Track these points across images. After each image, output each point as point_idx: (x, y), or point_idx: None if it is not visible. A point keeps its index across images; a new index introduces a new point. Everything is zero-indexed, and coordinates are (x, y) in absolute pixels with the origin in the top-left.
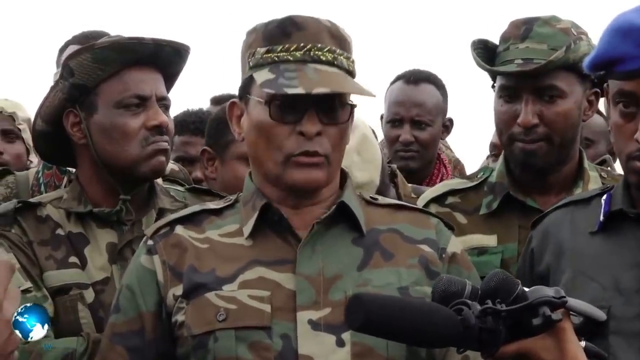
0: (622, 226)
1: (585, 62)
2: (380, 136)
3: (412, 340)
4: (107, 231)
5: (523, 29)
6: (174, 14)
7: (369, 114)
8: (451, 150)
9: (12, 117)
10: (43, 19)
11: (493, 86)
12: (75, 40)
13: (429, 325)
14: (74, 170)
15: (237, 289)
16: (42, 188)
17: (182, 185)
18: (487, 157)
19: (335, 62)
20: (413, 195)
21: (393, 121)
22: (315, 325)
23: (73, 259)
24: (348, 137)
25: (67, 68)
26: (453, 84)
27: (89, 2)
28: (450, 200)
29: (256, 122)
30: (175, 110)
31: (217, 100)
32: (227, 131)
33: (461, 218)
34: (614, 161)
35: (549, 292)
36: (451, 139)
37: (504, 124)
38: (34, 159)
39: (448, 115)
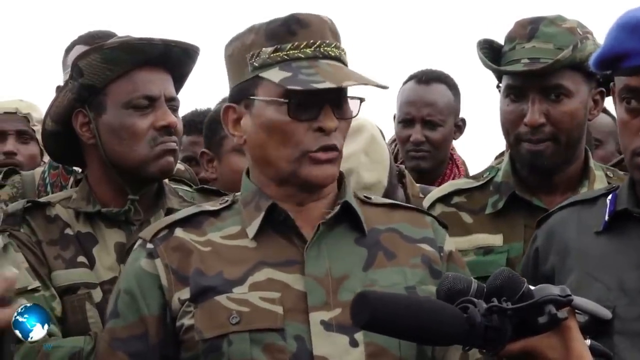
0: (627, 226)
1: (592, 59)
2: (388, 136)
3: (417, 338)
4: (116, 231)
5: (529, 29)
6: (183, 14)
7: (377, 113)
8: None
9: (26, 118)
10: (49, 19)
11: (498, 86)
12: (81, 40)
13: (435, 323)
14: (80, 170)
15: (248, 291)
16: (49, 188)
17: (188, 184)
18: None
19: (340, 57)
20: (421, 196)
21: (404, 121)
22: (327, 325)
23: (81, 259)
24: None
25: (76, 68)
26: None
27: (96, 1)
28: (456, 199)
29: (268, 121)
30: (183, 111)
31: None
32: (219, 128)
33: (467, 218)
34: None
35: (554, 290)
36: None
37: (510, 123)
38: (48, 160)
39: (460, 116)
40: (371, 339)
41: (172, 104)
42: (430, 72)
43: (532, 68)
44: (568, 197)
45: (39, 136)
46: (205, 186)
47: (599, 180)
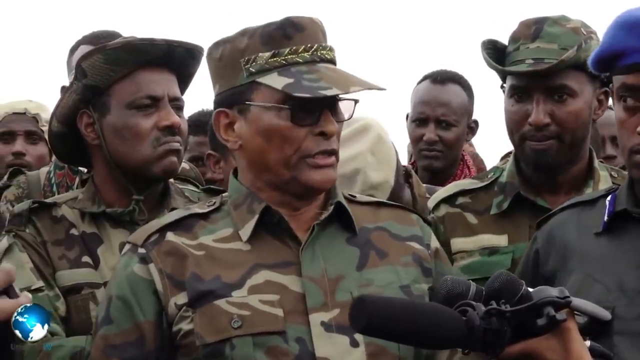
0: (626, 226)
1: (590, 59)
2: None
3: (416, 342)
4: (121, 231)
5: (533, 29)
6: (187, 15)
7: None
8: (470, 145)
9: (35, 119)
10: (57, 19)
11: (502, 86)
12: (86, 40)
13: (433, 327)
14: (85, 170)
15: (247, 294)
16: (54, 188)
17: (194, 184)
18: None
19: (334, 60)
20: (427, 195)
21: (418, 120)
22: (327, 326)
23: (86, 259)
24: None
25: (80, 69)
26: None
27: (101, 1)
28: (461, 200)
29: (267, 127)
30: (189, 111)
31: None
32: None
33: (472, 218)
34: None
35: (553, 292)
36: None
37: (515, 123)
38: (53, 160)
39: (473, 117)
40: (371, 338)
41: (176, 104)
42: (445, 73)
43: (536, 68)
44: (572, 197)
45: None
46: (211, 186)
47: (604, 181)
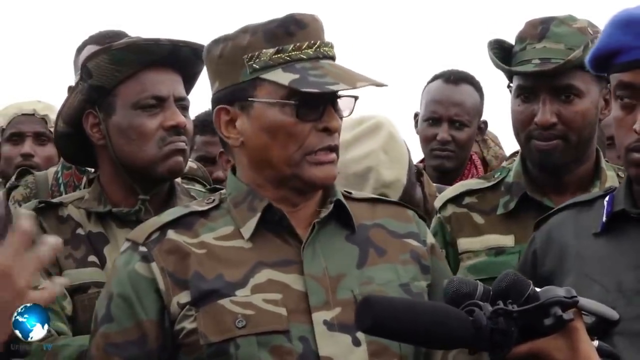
0: (625, 227)
1: (587, 58)
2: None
3: (422, 342)
4: (127, 231)
5: (540, 29)
6: (194, 15)
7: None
8: (500, 147)
9: (44, 120)
10: (66, 19)
11: (509, 86)
12: (92, 40)
13: (439, 327)
14: (92, 170)
15: (251, 293)
16: (62, 188)
17: (200, 183)
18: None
19: (335, 57)
20: (437, 195)
21: (431, 119)
22: (330, 325)
23: (92, 258)
24: None
25: (85, 69)
26: None
27: (108, 1)
28: (468, 200)
29: (271, 123)
30: (196, 111)
31: None
32: None
33: (478, 218)
34: None
35: (560, 292)
36: None
37: (521, 123)
38: (61, 160)
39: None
40: (373, 337)
41: (182, 103)
42: (457, 73)
43: (543, 68)
44: None
45: None
46: (217, 186)
47: (611, 181)
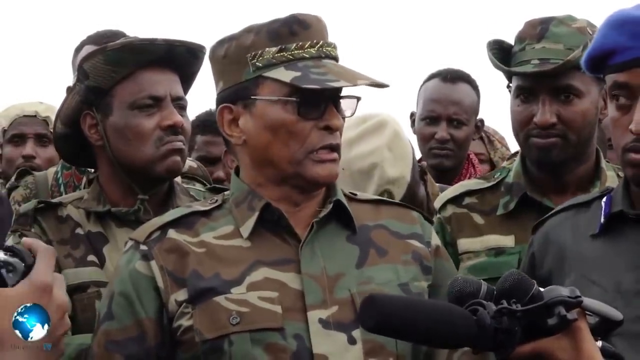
0: (622, 228)
1: (582, 59)
2: None
3: (426, 341)
4: (126, 230)
5: (539, 29)
6: (192, 14)
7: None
8: (507, 149)
9: (46, 121)
10: (61, 19)
11: (508, 86)
12: (90, 40)
13: (443, 325)
14: (92, 170)
15: (246, 291)
16: (62, 188)
17: (201, 182)
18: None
19: (338, 58)
20: (440, 194)
21: (429, 118)
22: (325, 324)
23: (91, 258)
24: None
25: (81, 70)
26: None
27: (108, 1)
28: (468, 200)
29: (273, 121)
30: (197, 111)
31: None
32: None
33: (478, 218)
34: None
35: (564, 291)
36: None
37: (520, 123)
38: (60, 160)
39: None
40: (369, 336)
41: (179, 103)
42: (454, 71)
43: (542, 69)
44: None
45: None
46: (217, 185)
47: (611, 181)
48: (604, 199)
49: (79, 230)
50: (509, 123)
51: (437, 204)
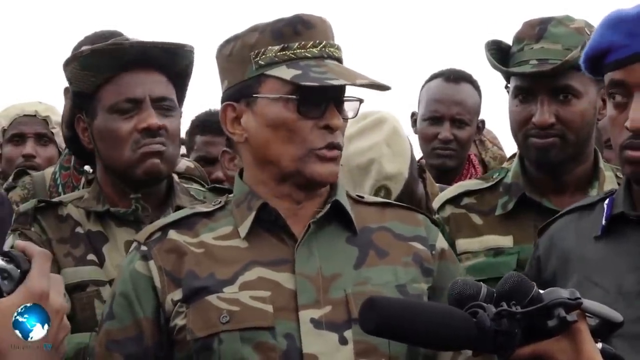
0: (624, 230)
1: (581, 60)
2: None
3: (426, 343)
4: (126, 229)
5: (537, 29)
6: (191, 14)
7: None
8: (500, 148)
9: (45, 121)
10: (61, 19)
11: (506, 87)
12: (88, 40)
13: (443, 328)
14: (91, 170)
15: (238, 290)
16: (60, 188)
17: (198, 182)
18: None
19: (341, 59)
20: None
21: (432, 118)
22: (317, 323)
23: (91, 257)
24: None
25: (66, 75)
26: None
27: (107, 1)
28: (466, 201)
29: (273, 119)
30: (197, 111)
31: None
32: None
33: (477, 219)
34: None
35: (563, 293)
36: None
37: (519, 124)
38: (59, 160)
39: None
40: (361, 336)
41: (162, 104)
42: (457, 72)
43: (540, 69)
44: (578, 198)
45: (57, 139)
46: (217, 185)
47: (609, 181)
48: (607, 201)
49: (78, 229)
50: (508, 123)
51: (435, 204)
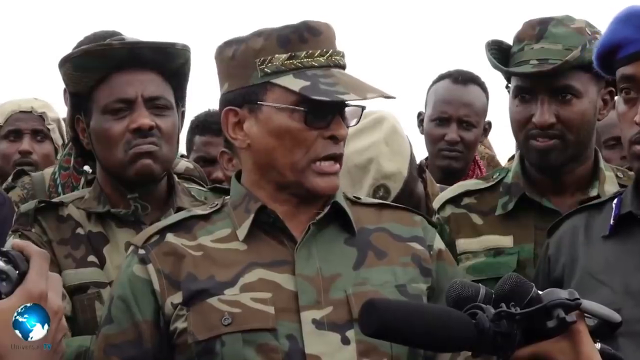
0: (632, 229)
1: (593, 57)
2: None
3: (426, 345)
4: (126, 230)
5: (537, 30)
6: (190, 14)
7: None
8: (487, 147)
9: (42, 117)
10: (61, 19)
11: (507, 87)
12: (87, 40)
13: (443, 330)
14: (90, 170)
15: (239, 292)
16: (60, 189)
17: (197, 183)
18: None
19: (346, 67)
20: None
21: (439, 119)
22: (319, 324)
23: (92, 258)
24: None
25: (62, 77)
26: None
27: (107, 2)
28: (466, 201)
29: (279, 128)
30: (196, 111)
31: None
32: None
33: (477, 219)
34: None
35: (562, 294)
36: None
37: (519, 124)
38: (58, 160)
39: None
40: (363, 336)
41: (155, 103)
42: (465, 73)
43: (541, 69)
44: (578, 197)
45: (53, 135)
46: (218, 185)
47: (609, 181)
48: (615, 201)
49: (79, 230)
50: (509, 123)
51: (435, 204)
